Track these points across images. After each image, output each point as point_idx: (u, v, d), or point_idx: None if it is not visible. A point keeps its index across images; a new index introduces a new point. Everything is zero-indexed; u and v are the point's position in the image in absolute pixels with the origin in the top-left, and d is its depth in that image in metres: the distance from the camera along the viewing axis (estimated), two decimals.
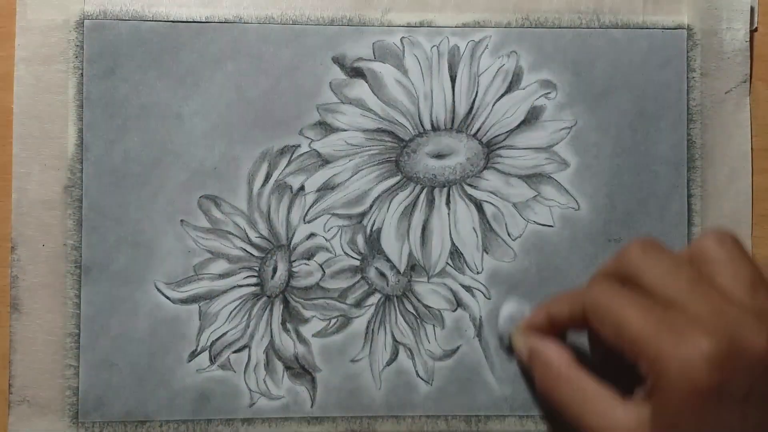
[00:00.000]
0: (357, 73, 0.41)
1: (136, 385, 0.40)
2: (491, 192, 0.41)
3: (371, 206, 0.41)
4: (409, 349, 0.41)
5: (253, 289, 0.41)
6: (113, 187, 0.40)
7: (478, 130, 0.41)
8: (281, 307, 0.41)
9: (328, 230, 0.41)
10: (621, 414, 0.26)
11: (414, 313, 0.41)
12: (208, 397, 0.40)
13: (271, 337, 0.40)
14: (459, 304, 0.41)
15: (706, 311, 0.25)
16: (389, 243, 0.41)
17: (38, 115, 0.40)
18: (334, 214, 0.41)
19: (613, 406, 0.26)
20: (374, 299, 0.41)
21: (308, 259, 0.41)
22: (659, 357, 0.24)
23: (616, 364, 0.27)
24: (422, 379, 0.40)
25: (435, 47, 0.41)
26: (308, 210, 0.41)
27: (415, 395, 0.40)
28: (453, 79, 0.41)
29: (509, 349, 0.33)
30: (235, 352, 0.40)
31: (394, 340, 0.41)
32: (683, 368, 0.24)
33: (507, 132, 0.41)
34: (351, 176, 0.41)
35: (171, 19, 0.41)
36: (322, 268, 0.41)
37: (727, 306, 0.25)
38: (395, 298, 0.41)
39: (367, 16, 0.41)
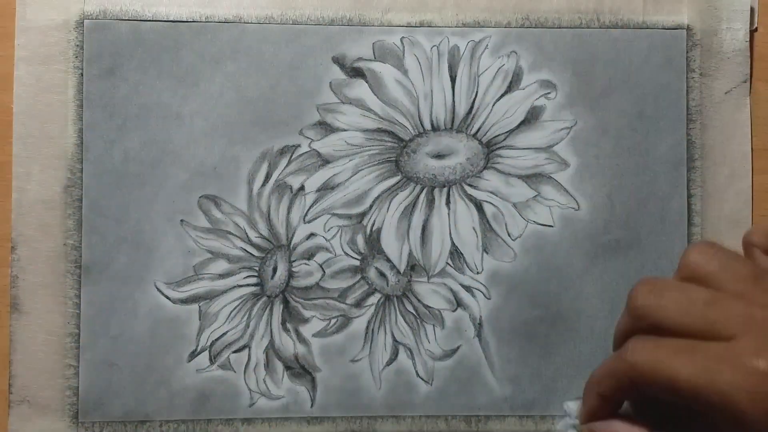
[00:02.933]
0: (357, 73, 0.41)
1: (136, 385, 0.40)
2: (491, 192, 0.41)
3: (371, 206, 0.41)
4: (409, 349, 0.41)
5: (253, 289, 0.41)
6: (113, 187, 0.40)
7: (478, 130, 0.41)
8: (281, 307, 0.41)
9: (328, 230, 0.41)
10: None
11: (414, 313, 0.41)
12: (208, 397, 0.40)
13: (271, 337, 0.40)
14: (459, 304, 0.41)
15: (740, 332, 0.25)
16: (389, 243, 0.41)
17: (38, 114, 0.40)
18: (334, 214, 0.41)
19: None
20: (374, 299, 0.41)
21: (308, 259, 0.41)
22: (721, 397, 0.24)
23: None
24: (422, 379, 0.40)
25: (435, 47, 0.41)
26: (308, 210, 0.41)
27: (415, 395, 0.40)
28: (453, 79, 0.41)
29: None
30: (235, 352, 0.40)
31: (394, 340, 0.41)
32: (745, 398, 0.24)
33: (507, 132, 0.41)
34: (351, 176, 0.41)
35: (171, 18, 0.41)
36: (322, 268, 0.41)
37: (757, 315, 0.25)
38: (395, 298, 0.41)
39: (367, 16, 0.41)
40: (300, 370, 0.40)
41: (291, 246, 0.41)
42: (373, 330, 0.41)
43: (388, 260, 0.41)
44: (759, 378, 0.24)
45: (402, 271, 0.41)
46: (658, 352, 0.26)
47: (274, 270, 0.41)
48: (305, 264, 0.41)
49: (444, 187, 0.41)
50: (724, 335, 0.25)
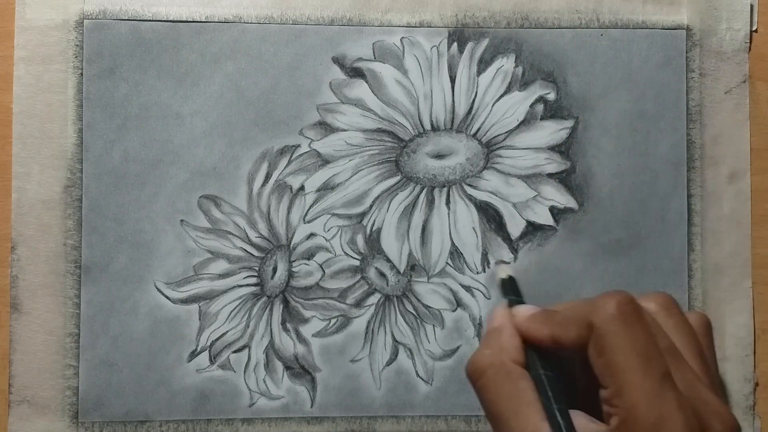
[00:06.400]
0: (357, 73, 0.41)
1: (136, 385, 0.40)
2: (491, 192, 0.41)
3: (371, 206, 0.41)
4: (409, 349, 0.41)
5: (253, 289, 0.41)
6: (113, 187, 0.40)
7: (478, 130, 0.41)
8: (281, 307, 0.41)
9: (328, 230, 0.41)
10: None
11: (414, 313, 0.41)
12: (207, 397, 0.40)
13: (271, 337, 0.40)
14: (459, 304, 0.41)
15: (688, 398, 0.26)
16: (389, 243, 0.41)
17: (38, 114, 0.40)
18: (334, 214, 0.41)
19: (542, 419, 0.27)
20: (374, 299, 0.41)
21: (308, 259, 0.41)
22: (637, 421, 0.25)
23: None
24: (422, 379, 0.41)
25: (435, 47, 0.41)
26: (308, 210, 0.41)
27: (415, 395, 0.40)
28: (453, 80, 0.41)
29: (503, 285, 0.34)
30: (235, 352, 0.40)
31: (394, 340, 0.41)
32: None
33: (507, 132, 0.41)
34: (351, 176, 0.41)
35: (171, 18, 0.41)
36: (322, 268, 0.41)
37: (705, 399, 0.27)
38: (395, 298, 0.41)
39: (367, 16, 0.41)
40: (300, 370, 0.40)
41: (291, 246, 0.41)
42: (373, 330, 0.41)
43: (388, 260, 0.41)
44: None
45: (402, 271, 0.41)
46: (629, 343, 0.27)
47: (274, 270, 0.41)
48: (305, 264, 0.41)
49: (444, 187, 0.41)
50: (678, 402, 0.26)
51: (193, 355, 0.40)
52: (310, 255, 0.41)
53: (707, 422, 0.26)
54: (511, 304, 0.33)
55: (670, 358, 0.28)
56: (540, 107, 0.41)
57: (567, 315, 0.29)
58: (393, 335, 0.41)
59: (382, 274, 0.41)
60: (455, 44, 0.41)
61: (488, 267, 0.41)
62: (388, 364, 0.41)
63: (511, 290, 0.35)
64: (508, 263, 0.40)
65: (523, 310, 0.31)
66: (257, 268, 0.41)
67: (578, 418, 0.28)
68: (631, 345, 0.27)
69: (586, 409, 0.28)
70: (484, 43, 0.41)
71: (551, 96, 0.41)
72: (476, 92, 0.41)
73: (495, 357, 0.29)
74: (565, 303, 0.31)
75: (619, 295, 0.28)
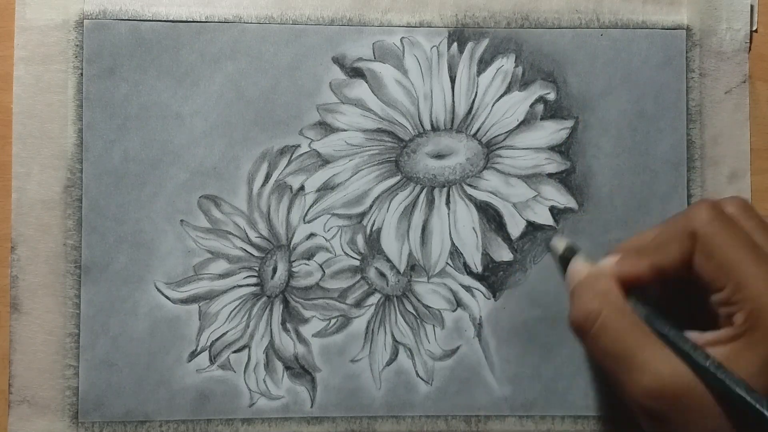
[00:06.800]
0: (357, 73, 0.41)
1: (136, 385, 0.40)
2: (491, 192, 0.41)
3: (371, 206, 0.41)
4: (409, 349, 0.41)
5: (253, 289, 0.41)
6: (113, 187, 0.40)
7: (478, 130, 0.41)
8: (281, 307, 0.41)
9: (328, 230, 0.41)
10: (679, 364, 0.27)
11: (414, 313, 0.41)
12: (207, 397, 0.40)
13: (271, 337, 0.40)
14: (459, 304, 0.41)
15: None
16: (389, 243, 0.41)
17: (38, 114, 0.40)
18: (334, 214, 0.41)
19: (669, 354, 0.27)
20: (374, 299, 0.41)
21: (308, 259, 0.41)
22: (764, 306, 0.26)
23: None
24: (422, 379, 0.41)
25: (435, 47, 0.41)
26: (308, 210, 0.41)
27: (415, 395, 0.40)
28: (453, 80, 0.41)
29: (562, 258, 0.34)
30: (234, 352, 0.40)
31: (394, 340, 0.41)
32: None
33: (507, 132, 0.41)
34: (351, 176, 0.41)
35: (170, 18, 0.41)
36: (322, 268, 0.41)
37: None
38: (395, 298, 0.41)
39: (367, 16, 0.41)
40: (300, 370, 0.40)
41: (291, 246, 0.41)
42: (373, 330, 0.41)
43: (388, 260, 0.41)
44: None
45: (402, 271, 0.41)
46: (737, 239, 0.27)
47: (274, 270, 0.41)
48: (305, 264, 0.41)
49: (444, 187, 0.41)
50: None
51: (193, 355, 0.40)
52: (310, 255, 0.41)
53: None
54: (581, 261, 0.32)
55: None
56: (540, 107, 0.41)
57: (661, 239, 0.29)
58: (393, 335, 0.41)
59: (382, 274, 0.41)
60: (455, 44, 0.41)
61: (488, 267, 0.41)
62: (388, 364, 0.41)
63: (575, 253, 0.34)
64: (559, 235, 0.40)
65: (608, 260, 0.31)
66: (257, 268, 0.41)
67: (693, 335, 0.27)
68: (738, 240, 0.27)
69: (698, 327, 0.28)
70: (484, 43, 0.41)
71: (551, 96, 0.41)
72: (476, 92, 0.41)
73: (603, 300, 0.29)
74: (644, 232, 0.31)
75: (706, 202, 0.28)
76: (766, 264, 0.26)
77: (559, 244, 0.36)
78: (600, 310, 0.29)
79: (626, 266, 0.30)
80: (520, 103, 0.41)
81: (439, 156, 0.41)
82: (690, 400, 0.26)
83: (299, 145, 0.41)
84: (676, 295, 0.30)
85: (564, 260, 0.35)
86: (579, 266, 0.32)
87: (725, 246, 0.27)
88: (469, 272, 0.41)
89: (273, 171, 0.41)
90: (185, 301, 0.40)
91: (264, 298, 0.41)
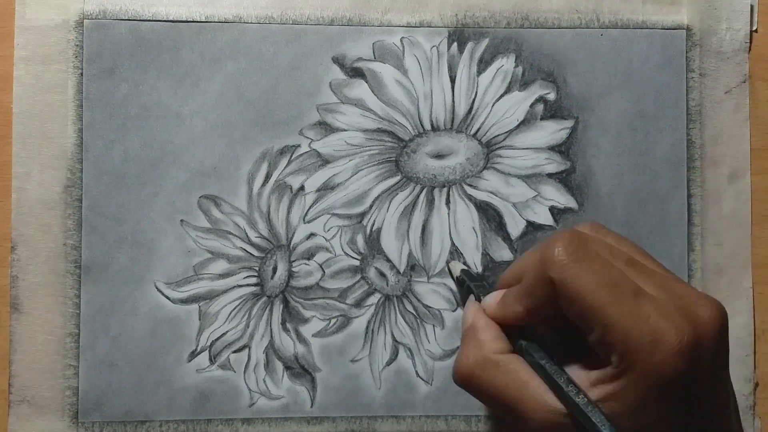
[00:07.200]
0: (357, 73, 0.41)
1: (136, 385, 0.40)
2: (491, 192, 0.41)
3: (371, 206, 0.41)
4: (409, 349, 0.41)
5: (253, 289, 0.41)
6: (113, 187, 0.40)
7: (478, 130, 0.41)
8: (281, 307, 0.41)
9: (328, 230, 0.41)
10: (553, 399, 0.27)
11: (414, 313, 0.41)
12: (208, 397, 0.40)
13: (271, 337, 0.40)
14: (459, 304, 0.41)
15: (667, 301, 0.26)
16: (389, 243, 0.41)
17: (38, 114, 0.40)
18: (334, 214, 0.41)
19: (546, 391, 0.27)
20: (374, 299, 0.41)
21: (308, 259, 0.41)
22: (634, 348, 0.25)
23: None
24: (422, 379, 0.41)
25: (435, 47, 0.41)
26: (308, 210, 0.41)
27: (415, 395, 0.40)
28: (453, 80, 0.41)
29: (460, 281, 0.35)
30: (234, 352, 0.40)
31: (394, 340, 0.41)
32: (657, 359, 0.25)
33: (506, 132, 0.41)
34: (351, 176, 0.41)
35: (171, 18, 0.41)
36: (322, 268, 0.41)
37: (681, 293, 0.27)
38: (395, 298, 0.41)
39: (367, 16, 0.41)
40: (300, 370, 0.40)
41: (291, 246, 0.41)
42: (373, 330, 0.41)
43: (388, 260, 0.41)
44: (668, 347, 0.25)
45: (402, 271, 0.41)
46: (592, 279, 0.27)
47: (274, 270, 0.41)
48: (305, 264, 0.41)
49: (444, 187, 0.41)
50: (656, 304, 0.26)
51: (193, 355, 0.40)
52: (310, 255, 0.41)
53: (693, 314, 0.26)
54: (476, 294, 0.33)
55: (632, 271, 0.27)
56: (540, 107, 0.41)
57: (527, 282, 0.29)
58: (393, 335, 0.41)
59: (382, 274, 0.41)
60: (455, 44, 0.41)
61: (489, 267, 0.41)
62: (388, 364, 0.41)
63: (470, 280, 0.35)
64: (455, 260, 0.40)
65: (491, 299, 0.31)
66: (257, 268, 0.41)
67: (577, 372, 0.27)
68: (597, 281, 0.26)
69: (587, 363, 0.27)
70: (484, 43, 0.41)
71: (551, 96, 0.41)
72: (476, 92, 0.41)
73: (477, 355, 0.29)
74: (516, 262, 0.31)
75: (562, 238, 0.27)
76: (628, 300, 0.26)
77: (455, 268, 0.36)
78: (473, 367, 0.29)
79: (506, 311, 0.30)
80: (520, 103, 0.41)
81: (439, 156, 0.41)
82: None
83: (299, 145, 0.41)
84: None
85: (460, 283, 0.36)
86: (468, 309, 0.32)
87: (584, 292, 0.26)
88: None
89: (273, 171, 0.41)
90: (185, 301, 0.40)
91: (264, 298, 0.41)
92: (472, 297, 0.33)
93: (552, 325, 0.30)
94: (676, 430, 0.26)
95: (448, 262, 0.40)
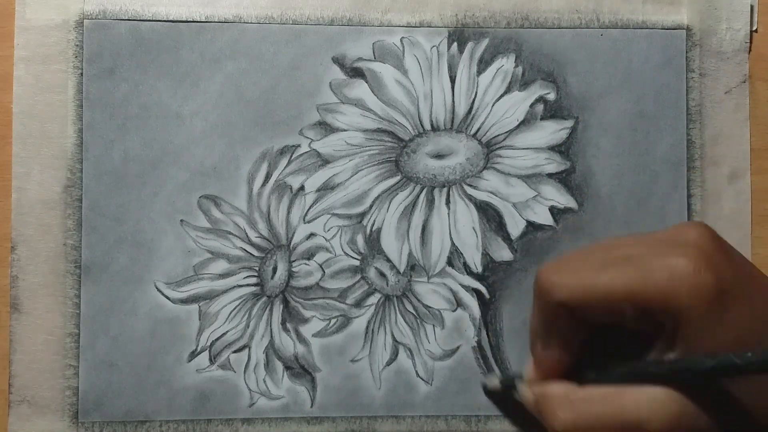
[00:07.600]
0: (357, 73, 0.41)
1: (136, 385, 0.40)
2: (491, 192, 0.41)
3: (371, 206, 0.41)
4: (409, 349, 0.41)
5: (253, 289, 0.41)
6: (113, 187, 0.40)
7: (478, 130, 0.41)
8: (281, 307, 0.41)
9: (328, 230, 0.41)
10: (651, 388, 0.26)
11: (414, 313, 0.41)
12: (208, 397, 0.40)
13: (271, 337, 0.40)
14: (459, 304, 0.41)
15: (654, 245, 0.27)
16: (389, 243, 0.41)
17: (38, 114, 0.40)
18: (334, 214, 0.41)
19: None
20: (374, 299, 0.41)
21: (308, 259, 0.41)
22: (664, 296, 0.26)
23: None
24: (422, 379, 0.41)
25: (435, 47, 0.41)
26: (308, 210, 0.41)
27: (415, 395, 0.40)
28: (452, 80, 0.41)
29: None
30: (234, 352, 0.40)
31: (394, 340, 0.41)
32: (686, 288, 0.25)
33: (506, 132, 0.41)
34: (351, 176, 0.41)
35: (171, 18, 0.41)
36: (322, 268, 0.41)
37: (659, 236, 0.28)
38: (395, 298, 0.41)
39: (367, 16, 0.41)
40: (300, 370, 0.40)
41: (291, 246, 0.41)
42: (373, 330, 0.41)
43: (388, 260, 0.41)
44: (683, 270, 0.25)
45: (402, 271, 0.41)
46: (581, 272, 0.27)
47: (274, 270, 0.41)
48: (305, 264, 0.41)
49: (444, 187, 0.41)
50: (651, 248, 0.27)
51: (193, 355, 0.40)
52: (310, 255, 0.41)
53: (684, 239, 0.27)
54: (515, 383, 0.31)
55: (609, 249, 0.28)
56: (540, 107, 0.41)
57: (540, 321, 0.29)
58: (393, 335, 0.41)
59: (382, 274, 0.41)
60: (455, 44, 0.41)
61: (489, 266, 0.41)
62: (388, 364, 0.41)
63: (505, 383, 0.34)
64: (491, 376, 0.38)
65: (528, 369, 0.30)
66: (257, 268, 0.41)
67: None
68: (588, 272, 0.27)
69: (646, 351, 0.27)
70: (484, 43, 0.41)
71: (551, 96, 0.41)
72: (476, 92, 0.41)
73: (566, 410, 0.28)
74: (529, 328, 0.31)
75: (541, 270, 0.28)
76: (625, 265, 0.27)
77: (492, 381, 0.34)
78: (576, 424, 0.28)
79: (545, 365, 0.30)
80: (520, 103, 0.41)
81: (439, 156, 0.41)
82: (692, 413, 0.26)
83: (299, 145, 0.41)
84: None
85: (501, 395, 0.34)
86: (527, 393, 0.31)
87: (585, 286, 0.27)
88: (469, 272, 0.41)
89: (273, 171, 0.41)
90: (185, 301, 0.40)
91: (264, 298, 0.41)
92: (521, 385, 0.32)
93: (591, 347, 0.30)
94: (758, 323, 0.26)
95: (484, 386, 0.36)
